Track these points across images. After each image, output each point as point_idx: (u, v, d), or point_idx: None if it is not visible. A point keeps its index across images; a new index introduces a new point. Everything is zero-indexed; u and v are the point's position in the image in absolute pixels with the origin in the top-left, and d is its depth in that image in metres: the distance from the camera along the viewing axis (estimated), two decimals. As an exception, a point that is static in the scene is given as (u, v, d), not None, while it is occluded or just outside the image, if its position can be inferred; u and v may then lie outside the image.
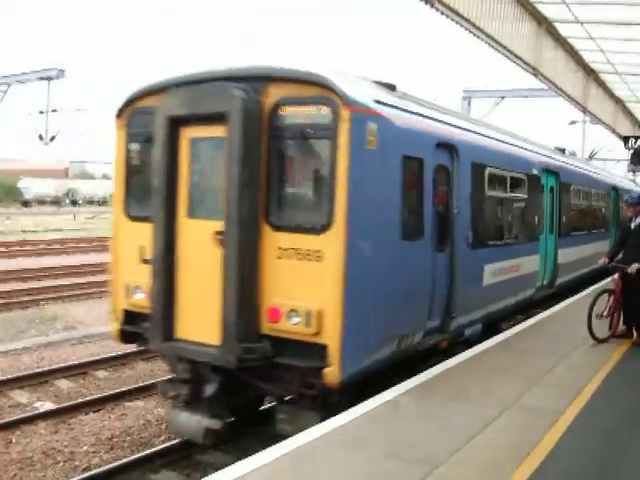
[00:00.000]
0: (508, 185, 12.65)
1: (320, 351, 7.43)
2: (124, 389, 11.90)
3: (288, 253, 7.64)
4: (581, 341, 11.32)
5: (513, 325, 13.24)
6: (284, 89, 7.78)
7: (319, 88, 7.57)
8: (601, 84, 19.51)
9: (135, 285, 8.79)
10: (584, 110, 20.37)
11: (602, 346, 11.17)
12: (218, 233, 7.80)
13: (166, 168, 8.20)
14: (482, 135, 11.70)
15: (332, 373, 7.35)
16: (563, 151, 18.99)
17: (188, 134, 8.24)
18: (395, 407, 7.54)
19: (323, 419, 7.39)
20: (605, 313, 11.54)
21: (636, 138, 20.91)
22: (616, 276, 11.69)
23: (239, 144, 7.55)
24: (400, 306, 8.48)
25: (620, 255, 11.93)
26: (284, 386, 8.05)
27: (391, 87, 9.10)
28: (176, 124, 8.19)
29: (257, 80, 7.90)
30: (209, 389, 8.12)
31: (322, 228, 7.49)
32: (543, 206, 14.79)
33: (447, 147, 9.80)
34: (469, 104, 37.48)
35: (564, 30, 13.97)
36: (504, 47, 12.29)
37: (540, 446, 6.48)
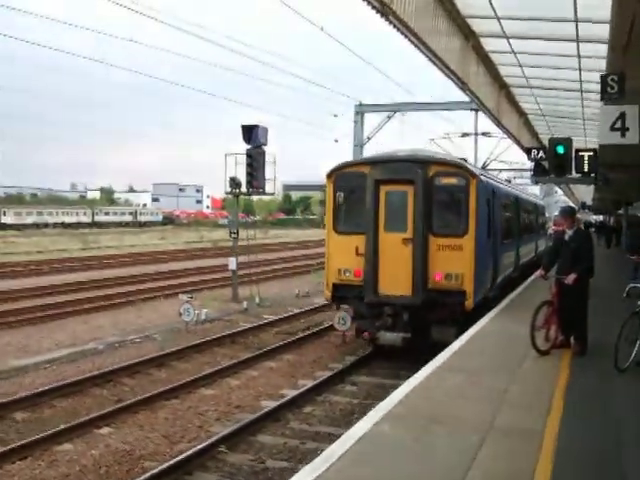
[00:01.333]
0: (509, 209, 21.60)
1: (462, 294, 14.81)
2: (50, 432, 10.84)
3: (443, 247, 14.90)
4: (522, 354, 11.32)
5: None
6: (437, 168, 15.15)
7: (459, 169, 15.34)
8: (510, 98, 19.98)
9: (345, 268, 15.67)
10: (498, 123, 20.84)
11: (545, 358, 11.20)
12: (405, 239, 15.06)
13: (373, 206, 15.20)
14: (499, 183, 21.14)
15: (469, 304, 14.80)
16: (509, 181, 29.88)
17: (385, 189, 15.30)
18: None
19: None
20: (541, 324, 11.59)
21: (538, 150, 21.41)
22: (553, 288, 11.78)
23: (421, 195, 14.86)
24: (487, 272, 16.42)
25: (556, 266, 12.08)
26: (440, 314, 14.91)
27: (465, 160, 17.74)
28: (378, 183, 15.24)
29: (424, 162, 15.23)
30: (405, 317, 15.01)
31: (462, 234, 14.97)
32: (516, 219, 23.36)
33: (493, 191, 17.46)
34: (362, 118, 37.88)
35: (488, 44, 14.18)
36: (442, 61, 12.37)
37: (538, 472, 6.26)
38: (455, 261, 14.78)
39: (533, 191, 52.24)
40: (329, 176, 16.07)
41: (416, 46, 11.18)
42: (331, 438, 10.53)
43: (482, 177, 16.01)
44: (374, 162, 15.73)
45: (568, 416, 7.99)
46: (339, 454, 6.66)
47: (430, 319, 15.01)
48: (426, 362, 11.13)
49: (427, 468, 6.44)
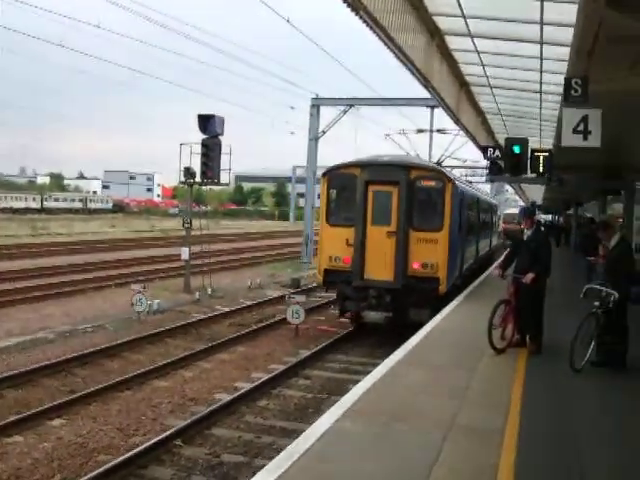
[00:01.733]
0: (472, 208, 24.25)
1: (436, 280, 17.06)
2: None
3: (421, 240, 17.12)
4: (479, 352, 11.41)
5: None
6: (419, 172, 17.68)
7: (437, 173, 18.20)
8: (470, 96, 20.10)
9: (336, 256, 17.74)
10: (457, 121, 20.95)
11: (502, 357, 11.32)
12: (389, 232, 17.19)
13: (362, 203, 17.32)
14: (466, 185, 23.98)
15: (442, 289, 17.12)
16: (471, 182, 31.29)
17: (373, 188, 17.46)
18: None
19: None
20: (497, 323, 11.68)
21: (494, 149, 21.62)
22: (511, 287, 11.89)
23: (404, 195, 17.10)
24: (456, 263, 18.81)
25: (513, 265, 12.20)
26: (417, 297, 17.04)
27: (439, 164, 23.35)
28: (367, 184, 17.42)
29: (407, 167, 17.64)
30: (387, 299, 17.01)
31: (438, 229, 17.28)
32: (477, 217, 26.34)
33: (463, 193, 20.10)
34: (318, 111, 37.76)
35: (452, 42, 14.22)
36: (408, 58, 12.34)
37: (501, 468, 6.31)
38: (431, 252, 17.12)
39: (485, 188, 52.90)
40: (324, 175, 18.75)
41: (384, 42, 11.16)
42: (286, 432, 10.52)
43: (456, 182, 18.88)
44: (364, 165, 17.95)
45: (526, 414, 8.07)
46: (301, 451, 6.61)
47: (408, 301, 17.16)
48: (379, 357, 11.18)
49: (391, 465, 6.43)
